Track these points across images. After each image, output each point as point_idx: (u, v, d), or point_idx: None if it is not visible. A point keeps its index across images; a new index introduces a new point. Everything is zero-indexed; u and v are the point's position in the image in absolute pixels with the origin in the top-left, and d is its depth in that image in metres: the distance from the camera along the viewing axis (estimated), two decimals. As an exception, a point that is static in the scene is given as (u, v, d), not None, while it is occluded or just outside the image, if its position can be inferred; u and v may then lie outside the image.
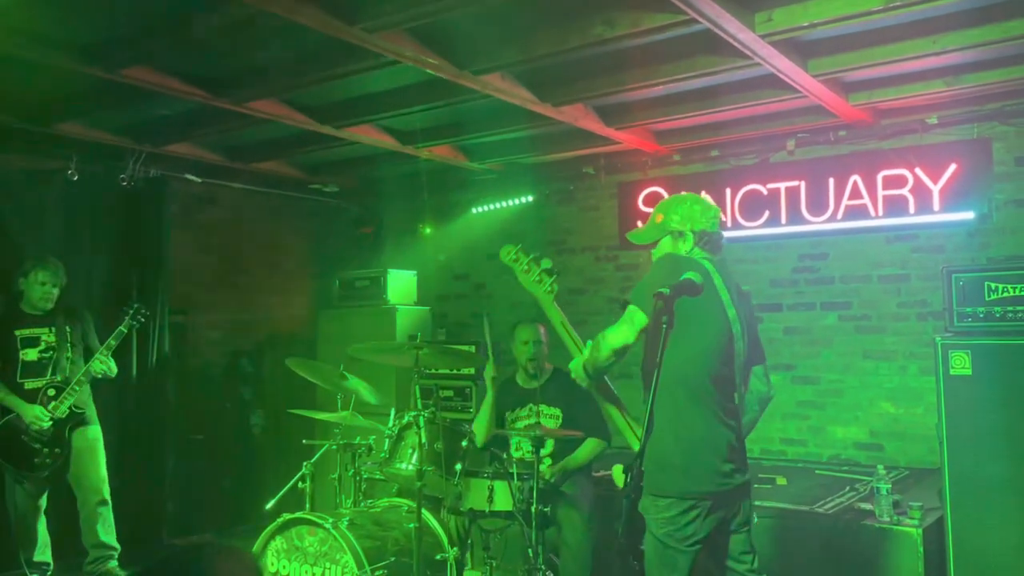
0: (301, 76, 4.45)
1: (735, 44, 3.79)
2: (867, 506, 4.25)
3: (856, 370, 5.57)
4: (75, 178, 5.60)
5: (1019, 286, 4.11)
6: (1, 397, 4.56)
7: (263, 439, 6.75)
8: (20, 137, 5.29)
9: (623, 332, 2.79)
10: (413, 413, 3.90)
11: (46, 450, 4.60)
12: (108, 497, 4.84)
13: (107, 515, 4.82)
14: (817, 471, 5.22)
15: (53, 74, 4.21)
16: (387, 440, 3.94)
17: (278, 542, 3.80)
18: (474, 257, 7.24)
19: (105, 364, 4.74)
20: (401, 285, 6.66)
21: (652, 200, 6.27)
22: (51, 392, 4.62)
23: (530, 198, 6.82)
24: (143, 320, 4.95)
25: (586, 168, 6.56)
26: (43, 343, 4.73)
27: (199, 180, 6.52)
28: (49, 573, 4.79)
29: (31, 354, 4.68)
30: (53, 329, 4.77)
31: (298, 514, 3.79)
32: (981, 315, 4.17)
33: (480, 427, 4.38)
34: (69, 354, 4.76)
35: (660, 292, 2.73)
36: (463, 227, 7.26)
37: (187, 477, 6.41)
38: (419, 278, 6.96)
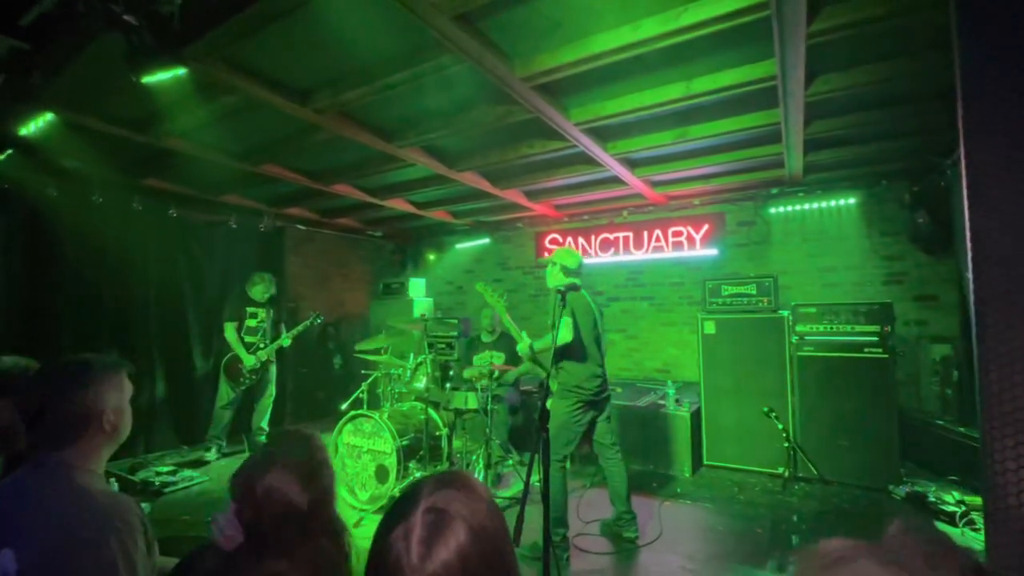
0: (361, 170, 4.39)
1: (596, 158, 3.85)
2: (662, 402, 4.36)
3: (657, 331, 5.67)
4: (234, 227, 5.43)
5: (738, 288, 4.28)
6: (236, 347, 4.61)
7: (340, 371, 6.58)
8: (203, 203, 5.09)
9: (565, 334, 2.73)
10: (422, 356, 3.88)
11: (248, 375, 4.63)
12: (271, 403, 4.81)
13: (269, 412, 4.80)
14: (636, 384, 5.34)
15: (222, 168, 4.09)
16: (408, 371, 3.90)
17: (349, 427, 3.74)
18: (456, 271, 7.20)
19: (287, 342, 4.76)
20: (416, 286, 6.57)
21: (554, 242, 6.35)
22: (261, 346, 4.68)
23: (487, 240, 6.82)
24: (318, 323, 4.86)
25: (518, 224, 6.58)
26: (259, 318, 4.73)
27: (304, 228, 6.34)
28: (223, 447, 4.63)
29: (252, 323, 4.70)
30: (264, 312, 4.75)
31: (359, 411, 3.73)
32: (720, 303, 4.32)
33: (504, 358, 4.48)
34: (267, 327, 4.76)
35: (559, 288, 2.76)
36: (450, 255, 7.21)
37: (297, 390, 6.22)
38: (427, 282, 6.88)
